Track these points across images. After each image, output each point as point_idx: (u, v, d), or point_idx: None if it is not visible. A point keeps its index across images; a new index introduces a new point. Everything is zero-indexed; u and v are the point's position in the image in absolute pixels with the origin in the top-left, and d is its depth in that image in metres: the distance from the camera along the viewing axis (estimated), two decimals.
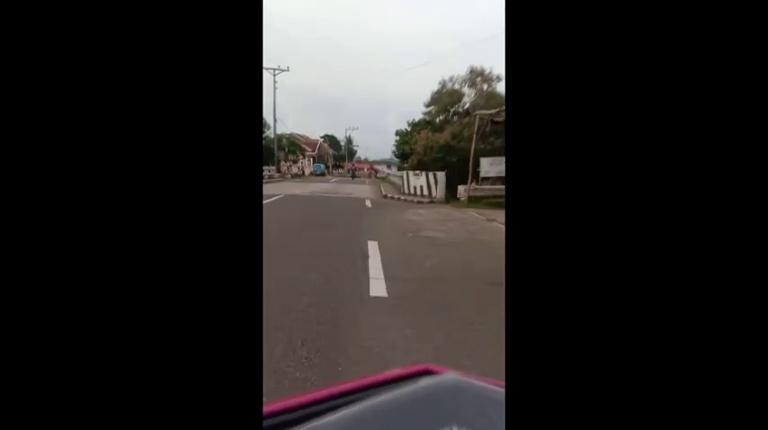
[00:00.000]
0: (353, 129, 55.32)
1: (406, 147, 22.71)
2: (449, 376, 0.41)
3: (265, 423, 0.34)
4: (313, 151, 44.75)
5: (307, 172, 35.54)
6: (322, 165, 41.55)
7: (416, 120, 24.10)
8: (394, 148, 25.69)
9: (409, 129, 24.01)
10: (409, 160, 24.08)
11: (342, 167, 48.41)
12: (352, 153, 66.61)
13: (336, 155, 56.92)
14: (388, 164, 72.46)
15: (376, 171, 53.18)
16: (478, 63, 21.11)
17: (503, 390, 0.35)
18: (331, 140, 59.97)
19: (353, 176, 30.77)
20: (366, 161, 69.35)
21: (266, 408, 0.36)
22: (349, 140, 63.28)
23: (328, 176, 37.00)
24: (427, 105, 23.02)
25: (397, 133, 24.81)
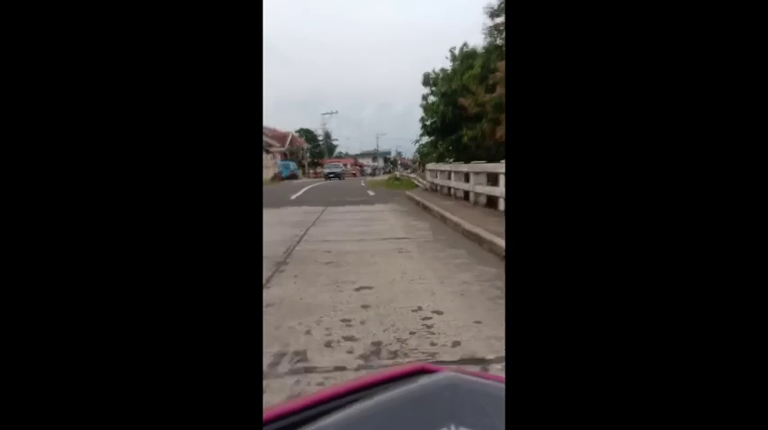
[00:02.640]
0: (332, 113, 42.53)
1: (470, 102, 10.03)
2: (446, 374, 0.42)
3: (266, 428, 0.35)
4: (282, 146, 32.54)
5: (267, 175, 22.65)
6: (291, 164, 28.89)
7: (468, 48, 11.48)
8: (421, 113, 12.83)
9: (450, 68, 11.44)
10: (466, 130, 10.09)
11: (321, 165, 35.67)
12: (331, 148, 55.28)
13: (314, 151, 44.69)
14: (374, 156, 61.68)
15: (361, 167, 42.93)
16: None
17: (501, 385, 0.35)
18: (308, 136, 48.48)
19: (373, 174, 19.89)
20: (347, 155, 58.60)
21: (266, 413, 0.36)
22: (327, 135, 51.85)
23: (302, 180, 24.17)
24: (495, 13, 10.44)
25: (428, 81, 11.97)
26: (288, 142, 35.50)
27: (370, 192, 11.89)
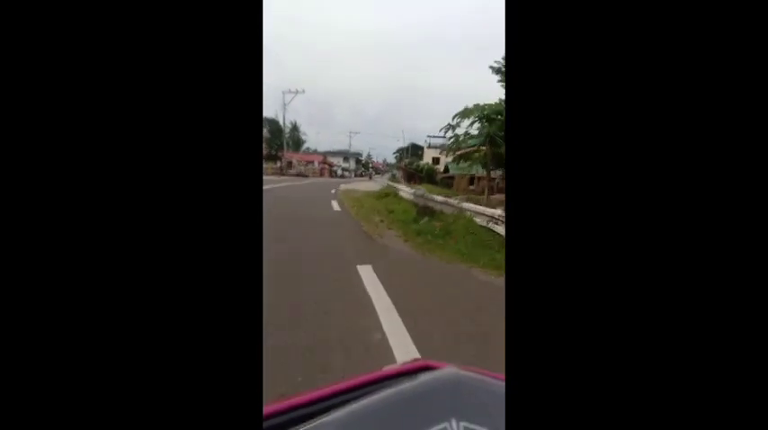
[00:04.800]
0: (298, 92, 33.89)
1: None
2: (448, 370, 0.42)
3: (266, 423, 0.35)
4: None
5: None
6: None
7: None
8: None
9: None
10: None
11: (279, 159, 28.01)
12: (299, 142, 47.46)
13: (276, 143, 36.78)
14: (345, 156, 54.83)
15: (331, 166, 36.31)
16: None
17: (502, 383, 0.36)
18: (272, 125, 40.33)
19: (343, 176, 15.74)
20: (316, 152, 51.24)
21: (267, 408, 0.36)
22: (295, 127, 44.01)
23: None
24: None
25: None
26: None
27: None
